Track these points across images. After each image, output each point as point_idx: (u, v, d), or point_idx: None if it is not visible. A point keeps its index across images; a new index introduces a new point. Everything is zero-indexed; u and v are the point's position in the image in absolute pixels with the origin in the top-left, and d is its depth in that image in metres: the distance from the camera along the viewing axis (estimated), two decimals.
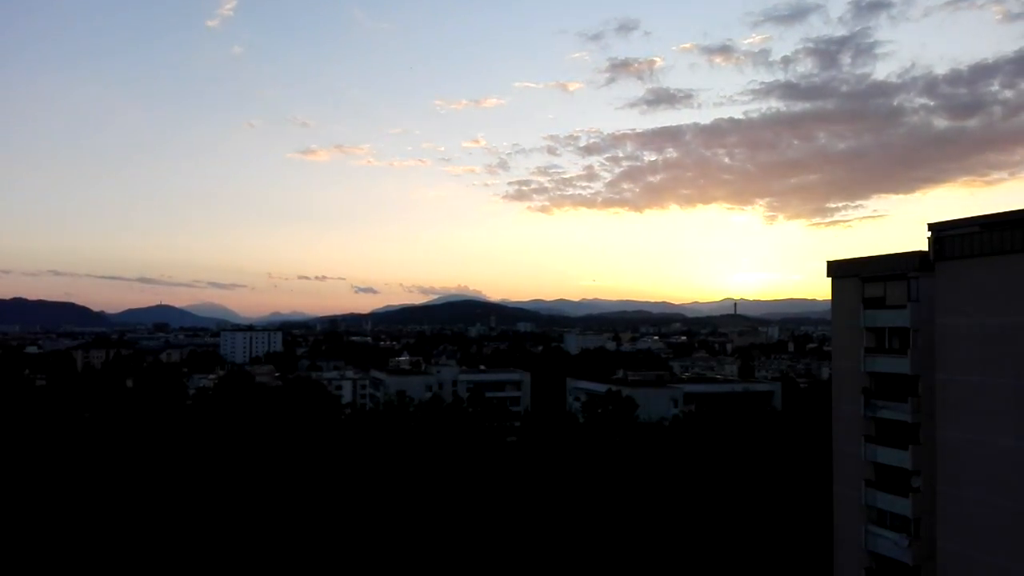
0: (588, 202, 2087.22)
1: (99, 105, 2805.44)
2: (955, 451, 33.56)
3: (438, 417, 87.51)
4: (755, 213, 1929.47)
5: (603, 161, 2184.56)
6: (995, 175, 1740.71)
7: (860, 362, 41.52)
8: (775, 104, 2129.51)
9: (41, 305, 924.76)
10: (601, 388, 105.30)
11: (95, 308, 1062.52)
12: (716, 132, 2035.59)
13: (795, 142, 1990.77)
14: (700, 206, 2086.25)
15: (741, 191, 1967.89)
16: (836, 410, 44.35)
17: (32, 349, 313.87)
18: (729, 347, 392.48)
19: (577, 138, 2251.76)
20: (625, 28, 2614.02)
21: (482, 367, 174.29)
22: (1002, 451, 31.40)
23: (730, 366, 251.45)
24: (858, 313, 41.57)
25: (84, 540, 57.23)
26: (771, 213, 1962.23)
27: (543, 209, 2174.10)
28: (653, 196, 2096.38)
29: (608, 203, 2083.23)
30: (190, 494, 64.71)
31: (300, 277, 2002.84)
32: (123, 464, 70.04)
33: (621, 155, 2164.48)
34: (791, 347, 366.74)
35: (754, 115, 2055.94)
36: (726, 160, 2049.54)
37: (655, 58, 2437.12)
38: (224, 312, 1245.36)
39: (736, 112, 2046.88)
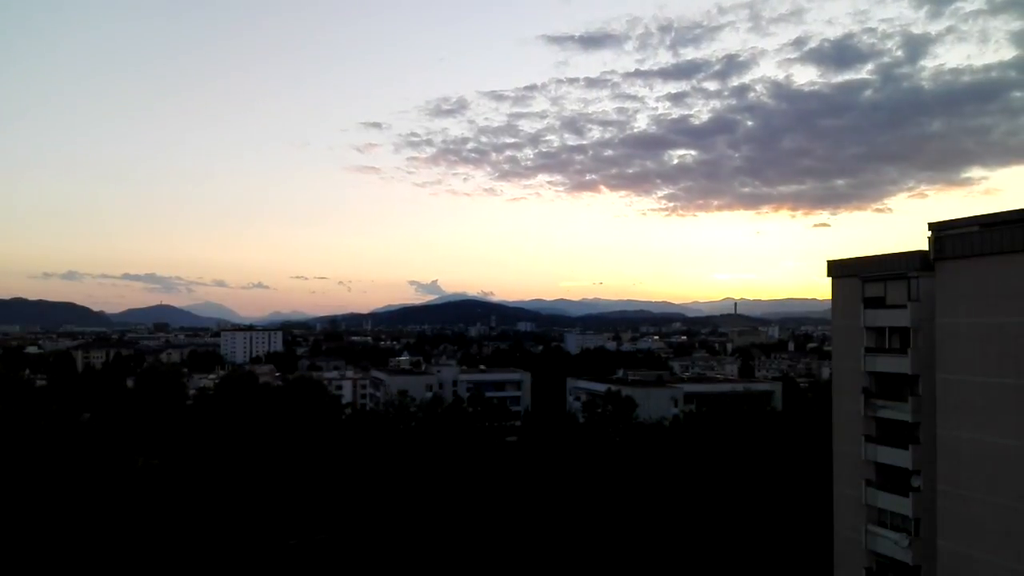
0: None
1: (99, 106, 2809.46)
2: (955, 451, 33.53)
3: (438, 417, 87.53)
4: (764, 213, 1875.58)
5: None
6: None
7: (860, 362, 41.47)
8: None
9: (41, 305, 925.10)
10: (601, 388, 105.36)
11: (95, 308, 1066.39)
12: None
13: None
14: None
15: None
16: (836, 410, 44.34)
17: (32, 349, 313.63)
18: (729, 347, 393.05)
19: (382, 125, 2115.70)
20: None
21: (482, 367, 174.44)
22: (1002, 451, 31.35)
23: (730, 366, 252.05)
24: (858, 313, 41.54)
25: (85, 540, 57.23)
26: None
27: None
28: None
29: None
30: (191, 494, 64.74)
31: (299, 277, 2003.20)
32: (123, 464, 70.04)
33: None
34: (791, 347, 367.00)
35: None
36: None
37: None
38: (224, 312, 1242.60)
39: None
